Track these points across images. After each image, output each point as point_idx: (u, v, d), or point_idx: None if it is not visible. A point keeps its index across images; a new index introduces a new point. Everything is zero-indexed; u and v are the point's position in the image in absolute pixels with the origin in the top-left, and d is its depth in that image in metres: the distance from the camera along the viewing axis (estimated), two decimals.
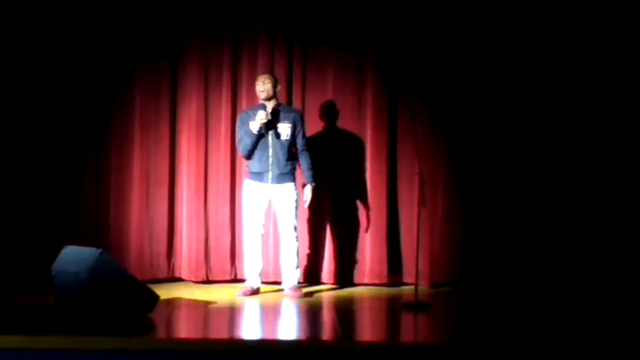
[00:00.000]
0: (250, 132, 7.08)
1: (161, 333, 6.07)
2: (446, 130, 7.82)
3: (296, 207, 7.24)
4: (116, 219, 7.78)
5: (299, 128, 7.21)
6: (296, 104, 7.79)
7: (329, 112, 7.83)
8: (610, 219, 7.65)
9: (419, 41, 7.79)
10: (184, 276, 7.84)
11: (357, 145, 7.85)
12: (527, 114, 7.74)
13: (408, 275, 7.75)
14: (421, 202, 6.94)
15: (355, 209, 7.86)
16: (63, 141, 7.71)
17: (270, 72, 7.68)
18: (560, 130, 7.73)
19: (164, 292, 6.84)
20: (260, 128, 7.03)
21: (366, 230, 7.81)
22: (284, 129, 7.14)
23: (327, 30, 7.82)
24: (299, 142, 7.21)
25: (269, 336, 6.15)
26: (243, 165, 7.73)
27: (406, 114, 7.69)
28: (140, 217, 7.78)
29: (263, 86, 7.13)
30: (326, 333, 6.24)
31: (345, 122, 7.85)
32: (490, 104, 7.77)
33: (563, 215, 7.71)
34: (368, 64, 7.83)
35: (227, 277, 7.81)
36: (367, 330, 6.52)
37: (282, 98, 7.71)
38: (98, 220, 7.78)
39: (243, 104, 7.77)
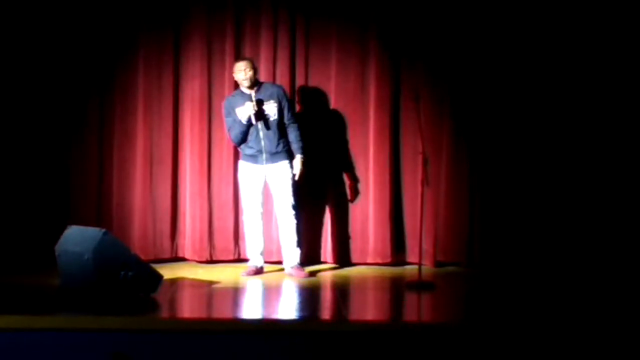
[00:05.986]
0: (240, 121, 7.07)
1: (165, 313, 6.08)
2: (450, 109, 7.79)
3: (292, 185, 7.23)
4: (119, 198, 7.79)
5: (284, 103, 7.19)
6: (299, 81, 7.79)
7: (331, 90, 7.80)
8: (617, 198, 7.61)
9: (422, 17, 7.74)
10: (187, 256, 7.85)
11: (360, 124, 7.82)
12: (534, 91, 7.68)
13: (411, 255, 7.75)
14: (425, 181, 6.92)
15: (359, 188, 7.84)
16: (66, 120, 7.70)
17: (274, 48, 7.71)
18: (567, 110, 7.66)
19: (168, 272, 6.84)
20: (249, 118, 7.02)
21: (369, 209, 7.80)
22: (271, 108, 7.12)
23: (331, 5, 7.78)
24: (286, 116, 7.19)
25: (272, 316, 6.15)
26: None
27: (410, 92, 7.63)
28: (144, 196, 7.78)
29: (245, 74, 7.10)
30: (329, 313, 6.25)
31: (348, 101, 7.82)
32: (496, 82, 7.72)
33: (568, 193, 7.68)
34: (371, 40, 7.78)
35: (231, 257, 7.81)
36: (371, 309, 6.52)
37: (285, 76, 7.72)
38: (101, 200, 7.79)
39: None
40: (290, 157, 7.23)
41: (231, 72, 7.64)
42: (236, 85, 7.59)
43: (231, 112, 7.15)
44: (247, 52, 7.72)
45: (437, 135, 7.76)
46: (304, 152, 7.25)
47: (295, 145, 7.22)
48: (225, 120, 7.27)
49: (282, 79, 7.71)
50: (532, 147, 7.70)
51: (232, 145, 7.69)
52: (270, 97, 7.15)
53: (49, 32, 7.62)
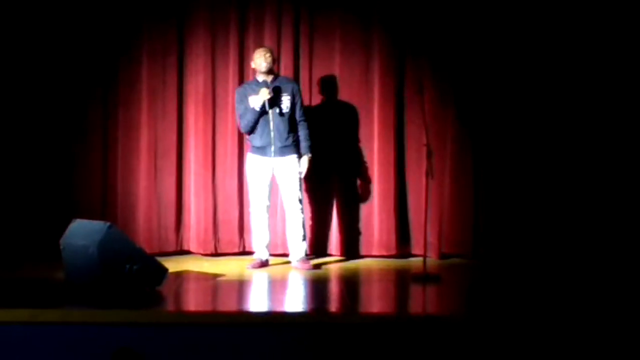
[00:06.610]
0: (252, 108, 7.05)
1: (170, 306, 6.09)
2: (454, 101, 7.77)
3: (300, 179, 7.22)
4: (124, 192, 7.78)
5: (297, 98, 7.19)
6: (303, 74, 7.78)
7: (336, 83, 7.79)
8: (624, 187, 7.58)
9: (426, 9, 7.72)
10: (192, 249, 7.84)
11: (364, 116, 7.81)
12: (538, 83, 7.66)
13: (416, 247, 7.73)
14: (429, 173, 6.91)
15: (363, 181, 7.83)
16: (70, 113, 7.69)
17: (278, 41, 7.70)
18: (571, 102, 7.64)
19: (173, 265, 6.84)
20: (263, 105, 7.00)
21: (374, 202, 7.79)
22: (284, 102, 7.11)
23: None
24: (297, 112, 7.19)
25: (277, 308, 6.15)
26: (247, 137, 7.72)
27: (414, 85, 7.62)
28: (148, 190, 7.78)
29: (265, 60, 7.08)
30: (335, 305, 6.24)
31: (352, 93, 7.81)
32: (500, 75, 7.70)
33: (573, 185, 7.66)
34: (375, 33, 7.76)
35: (236, 250, 7.81)
36: (377, 302, 6.52)
37: (289, 69, 7.70)
38: (106, 193, 7.78)
39: (250, 74, 7.73)
40: (299, 152, 7.22)
41: (235, 65, 7.66)
42: (240, 79, 7.61)
43: (244, 99, 7.12)
44: (251, 45, 7.70)
45: (442, 128, 7.75)
46: (311, 151, 7.24)
47: (303, 144, 7.21)
48: (236, 108, 7.24)
49: (286, 72, 7.69)
50: (537, 139, 7.68)
51: (236, 137, 7.69)
52: (285, 90, 7.13)
53: (52, 25, 7.61)
